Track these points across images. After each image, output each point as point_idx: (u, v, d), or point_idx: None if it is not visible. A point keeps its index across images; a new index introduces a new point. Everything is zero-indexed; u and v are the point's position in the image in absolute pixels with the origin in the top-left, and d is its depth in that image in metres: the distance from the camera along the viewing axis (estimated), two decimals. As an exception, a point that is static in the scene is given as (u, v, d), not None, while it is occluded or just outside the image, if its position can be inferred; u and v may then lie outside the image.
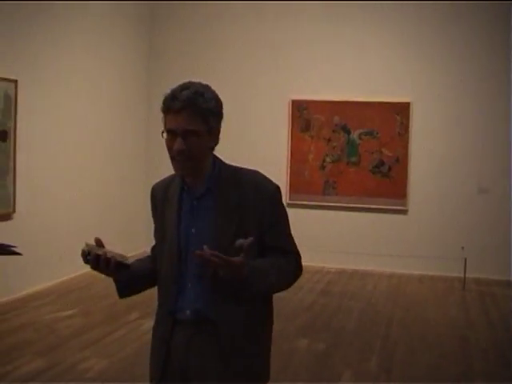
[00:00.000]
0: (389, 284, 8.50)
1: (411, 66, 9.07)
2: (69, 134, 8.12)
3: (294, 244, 2.59)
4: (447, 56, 8.96)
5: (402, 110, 9.03)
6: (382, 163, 9.18)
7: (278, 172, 8.30)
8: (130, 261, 2.48)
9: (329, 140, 9.32)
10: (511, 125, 8.74)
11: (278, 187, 2.55)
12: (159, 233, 2.62)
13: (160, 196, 2.64)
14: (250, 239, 2.34)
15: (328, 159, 9.35)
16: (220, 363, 2.44)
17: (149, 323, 6.32)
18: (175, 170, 2.49)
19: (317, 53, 9.36)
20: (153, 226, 2.72)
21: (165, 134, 2.47)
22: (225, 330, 2.43)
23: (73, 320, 6.40)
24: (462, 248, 8.69)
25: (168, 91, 2.43)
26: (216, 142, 2.52)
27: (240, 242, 2.32)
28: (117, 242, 9.04)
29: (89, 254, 2.43)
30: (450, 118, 8.99)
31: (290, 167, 9.33)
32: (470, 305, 7.57)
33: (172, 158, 2.46)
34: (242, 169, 2.59)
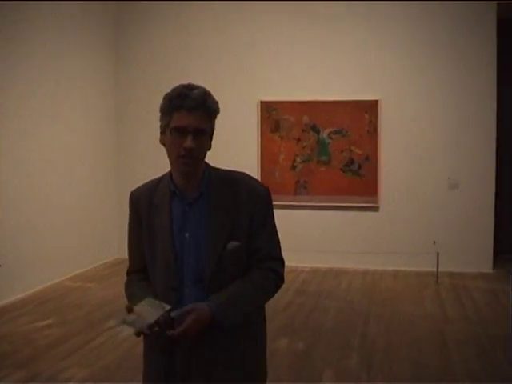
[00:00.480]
0: (363, 281, 8.56)
1: (378, 64, 9.13)
2: (37, 145, 8.05)
3: (279, 248, 2.63)
4: (415, 53, 9.04)
5: (371, 108, 9.09)
6: (352, 161, 9.23)
7: (248, 173, 8.31)
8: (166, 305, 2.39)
9: (299, 140, 9.35)
10: (481, 121, 8.87)
11: (268, 189, 2.61)
12: (148, 241, 2.57)
13: (144, 202, 2.59)
14: (237, 244, 2.45)
15: (298, 159, 9.38)
16: (224, 364, 2.48)
17: (127, 330, 6.30)
18: (180, 168, 2.47)
19: (284, 54, 9.39)
20: (126, 235, 2.70)
21: (163, 132, 2.49)
22: (227, 330, 2.44)
23: (50, 330, 6.33)
24: (434, 242, 8.80)
25: (171, 92, 2.45)
26: (210, 146, 2.53)
27: (230, 245, 2.44)
28: (90, 249, 9.04)
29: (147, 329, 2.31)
30: (419, 115, 9.07)
31: (261, 168, 9.33)
32: (445, 298, 7.65)
33: (179, 157, 2.43)
34: (230, 172, 2.62)
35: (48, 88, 8.24)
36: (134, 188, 2.72)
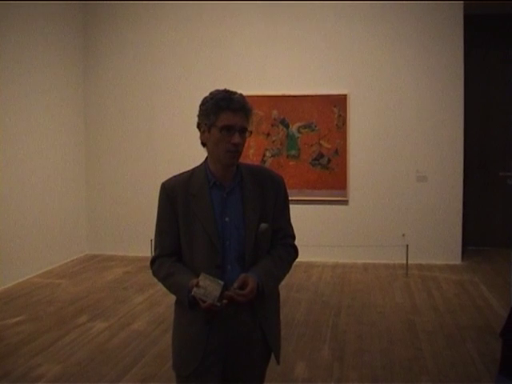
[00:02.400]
0: (334, 274, 8.62)
1: (347, 58, 9.18)
2: (4, 144, 7.97)
3: (293, 228, 3.08)
4: (383, 48, 9.10)
5: (340, 102, 9.14)
6: (321, 155, 9.28)
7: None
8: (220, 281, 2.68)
9: (268, 134, 9.38)
10: (449, 114, 8.97)
11: (283, 178, 3.05)
12: (185, 227, 2.86)
13: (181, 193, 2.87)
14: (266, 225, 2.87)
15: (268, 153, 9.41)
16: (259, 331, 2.90)
17: (99, 325, 6.32)
18: (227, 161, 2.80)
19: (253, 48, 9.39)
20: (154, 225, 2.97)
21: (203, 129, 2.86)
22: (260, 302, 2.84)
23: (21, 327, 6.28)
24: (403, 235, 8.89)
25: (213, 96, 2.78)
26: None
27: (262, 226, 2.85)
28: (59, 246, 8.97)
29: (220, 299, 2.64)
30: (387, 109, 9.14)
31: (231, 163, 9.30)
32: (414, 290, 7.74)
33: (227, 151, 2.77)
34: (253, 165, 3.10)
35: (17, 89, 8.17)
36: (165, 180, 2.97)
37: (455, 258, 9.10)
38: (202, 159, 2.95)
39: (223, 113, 2.74)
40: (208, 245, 2.81)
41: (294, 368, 5.23)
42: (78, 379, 4.99)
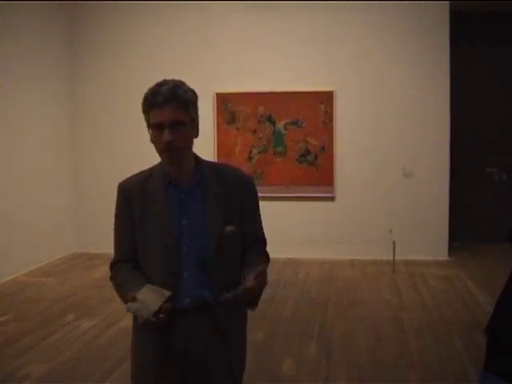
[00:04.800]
0: (321, 270, 8.62)
1: (333, 55, 9.17)
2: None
3: (263, 232, 2.86)
4: (369, 44, 9.10)
5: (326, 98, 9.14)
6: (308, 152, 9.28)
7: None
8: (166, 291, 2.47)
9: (255, 131, 9.36)
10: (434, 110, 8.99)
11: (252, 178, 2.84)
12: (141, 230, 2.65)
13: (137, 193, 2.68)
14: (233, 228, 2.62)
15: (255, 150, 9.39)
16: (220, 345, 2.63)
17: (86, 324, 6.29)
18: (166, 161, 2.61)
19: (239, 44, 9.37)
20: (112, 227, 2.76)
21: (148, 131, 2.59)
22: (222, 312, 2.59)
23: (6, 327, 6.25)
24: (390, 231, 8.89)
25: (147, 91, 2.56)
26: (197, 133, 2.66)
27: (228, 229, 2.61)
28: (45, 244, 8.92)
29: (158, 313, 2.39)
30: (374, 105, 9.14)
31: (217, 160, 9.27)
32: (401, 286, 7.75)
33: (162, 151, 2.56)
34: (217, 163, 2.89)
35: (8, 89, 8.13)
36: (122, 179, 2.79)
37: (442, 254, 9.12)
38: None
39: (151, 111, 2.52)
40: (162, 250, 2.60)
41: (282, 364, 5.23)
42: (65, 378, 4.96)
